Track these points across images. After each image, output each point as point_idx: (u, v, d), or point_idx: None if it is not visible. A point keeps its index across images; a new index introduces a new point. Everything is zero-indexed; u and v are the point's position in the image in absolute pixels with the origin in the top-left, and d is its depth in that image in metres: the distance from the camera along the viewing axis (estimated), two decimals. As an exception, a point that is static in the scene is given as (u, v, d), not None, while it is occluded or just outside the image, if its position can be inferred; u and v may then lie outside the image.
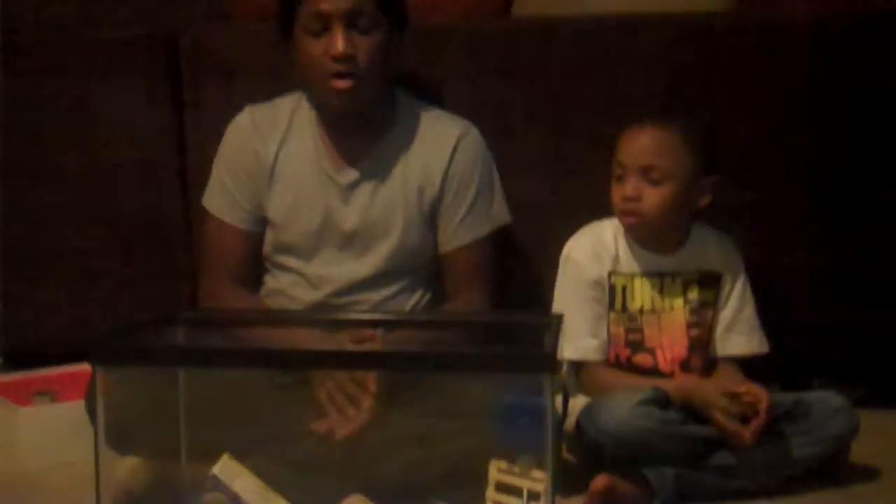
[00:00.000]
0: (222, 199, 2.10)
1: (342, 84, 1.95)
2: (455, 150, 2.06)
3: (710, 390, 1.91)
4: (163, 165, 2.38)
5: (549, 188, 2.28)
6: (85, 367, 2.21)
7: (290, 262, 2.08)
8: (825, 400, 1.89)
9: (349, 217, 2.05)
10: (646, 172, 1.99)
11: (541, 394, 1.49)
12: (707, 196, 2.03)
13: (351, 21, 1.95)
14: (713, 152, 2.04)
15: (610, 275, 2.06)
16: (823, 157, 2.24)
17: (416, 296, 2.09)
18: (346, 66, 1.94)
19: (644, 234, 2.04)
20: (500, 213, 2.11)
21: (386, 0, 1.99)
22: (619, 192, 2.01)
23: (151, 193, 2.39)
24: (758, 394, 1.87)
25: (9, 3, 2.62)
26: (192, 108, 2.36)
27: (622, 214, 2.02)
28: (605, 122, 2.15)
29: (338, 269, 2.06)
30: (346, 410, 1.78)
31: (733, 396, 1.88)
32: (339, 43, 1.93)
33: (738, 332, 2.07)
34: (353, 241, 2.05)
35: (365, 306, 2.04)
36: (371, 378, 1.77)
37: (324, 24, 1.95)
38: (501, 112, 2.27)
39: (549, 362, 1.50)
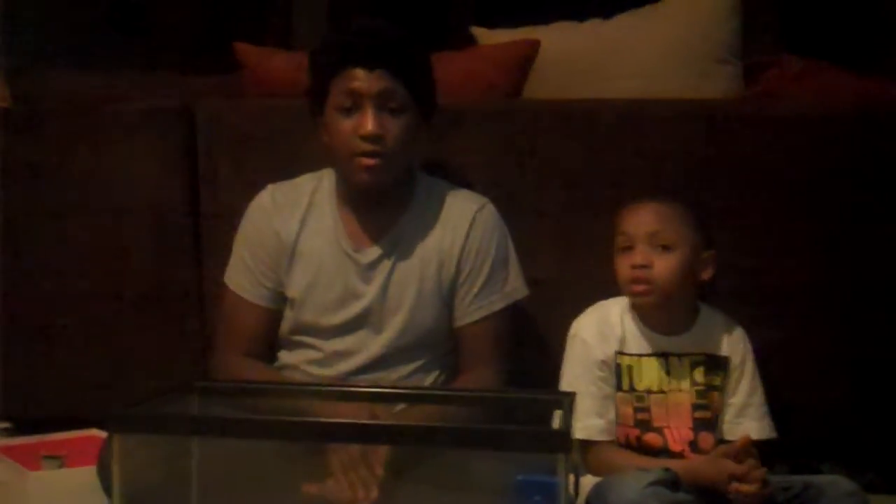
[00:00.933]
0: (243, 277, 2.12)
1: (369, 161, 1.99)
2: (472, 225, 2.09)
3: (715, 459, 1.92)
4: (177, 236, 2.41)
5: (558, 266, 2.31)
6: (93, 433, 2.24)
7: (307, 340, 2.10)
8: (836, 484, 1.88)
9: (367, 296, 2.07)
10: (653, 240, 2.02)
11: (554, 472, 1.49)
12: (709, 270, 2.07)
13: (382, 102, 1.98)
14: (709, 229, 2.08)
15: (616, 355, 2.08)
16: (834, 242, 2.27)
17: (433, 376, 2.11)
18: (374, 146, 1.98)
19: (652, 306, 2.05)
20: (515, 288, 2.13)
21: (417, 86, 2.03)
22: (628, 262, 2.04)
23: (164, 262, 2.41)
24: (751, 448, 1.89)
25: (27, 73, 2.66)
26: (207, 180, 2.39)
27: (632, 284, 2.04)
28: (615, 202, 2.17)
29: (353, 347, 2.07)
30: (356, 492, 1.77)
31: (741, 450, 1.89)
32: (370, 122, 1.97)
33: (750, 417, 2.08)
34: (368, 319, 2.07)
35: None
36: (379, 458, 1.77)
37: (355, 103, 1.99)
38: (512, 190, 2.30)
39: (564, 441, 1.50)
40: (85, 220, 2.43)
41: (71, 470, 2.12)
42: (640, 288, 2.03)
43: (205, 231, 2.39)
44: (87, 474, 1.94)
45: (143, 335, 2.42)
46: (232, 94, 2.61)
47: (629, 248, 2.04)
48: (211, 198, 2.39)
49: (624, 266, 2.05)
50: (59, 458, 2.18)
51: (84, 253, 2.43)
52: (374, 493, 1.77)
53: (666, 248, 2.02)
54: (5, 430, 2.49)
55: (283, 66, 2.48)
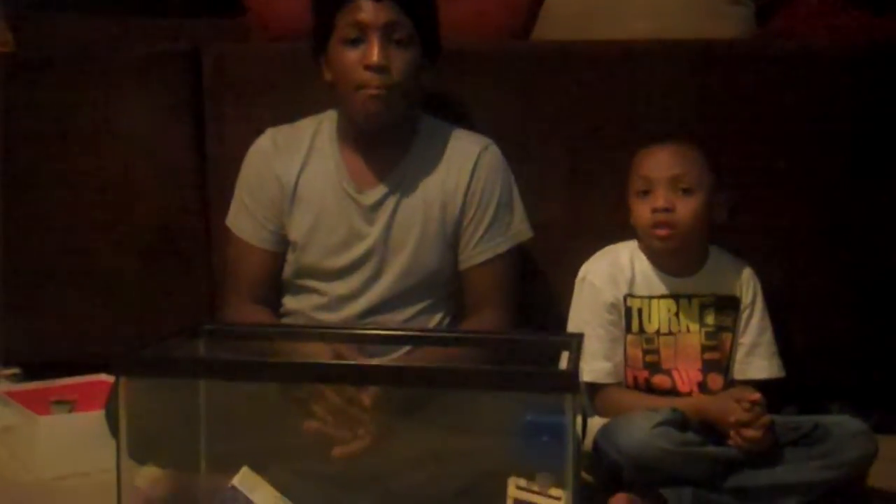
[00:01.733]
0: (245, 221, 2.11)
1: (373, 93, 1.96)
2: (475, 166, 2.07)
3: (724, 400, 1.92)
4: (183, 178, 2.40)
5: (566, 208, 2.29)
6: (103, 378, 2.25)
7: (310, 283, 2.09)
8: (844, 424, 1.89)
9: (370, 235, 2.06)
10: (675, 183, 2.01)
11: (562, 412, 1.49)
12: (723, 212, 2.06)
13: (387, 33, 1.96)
14: (721, 171, 2.07)
15: (626, 298, 2.07)
16: (843, 183, 2.25)
17: (437, 318, 2.10)
18: (378, 77, 1.96)
19: (672, 249, 2.04)
20: (520, 230, 2.11)
21: (422, 20, 2.01)
22: (649, 206, 2.02)
23: (171, 206, 2.41)
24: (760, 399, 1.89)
25: (33, 19, 2.64)
26: (214, 124, 2.38)
27: (655, 227, 2.02)
28: (623, 145, 2.16)
29: (357, 289, 2.07)
30: (341, 430, 1.77)
31: (745, 401, 1.88)
32: (375, 52, 1.95)
33: (759, 356, 2.08)
34: (371, 260, 2.06)
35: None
36: (366, 396, 1.77)
37: (361, 34, 1.97)
38: (520, 132, 2.28)
39: (571, 381, 1.50)
40: (91, 165, 2.41)
41: (80, 414, 2.14)
42: (664, 232, 2.02)
43: (211, 174, 2.38)
44: (96, 419, 1.95)
45: (150, 279, 2.42)
46: (238, 37, 2.60)
47: (647, 192, 2.03)
48: (217, 142, 2.38)
49: (644, 210, 2.03)
50: (68, 403, 2.19)
51: (90, 197, 2.42)
52: (367, 430, 1.76)
53: (687, 190, 2.01)
54: (14, 375, 2.50)
55: (288, 8, 2.45)
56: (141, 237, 2.41)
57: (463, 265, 2.09)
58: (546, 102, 2.29)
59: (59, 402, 2.19)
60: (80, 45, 2.50)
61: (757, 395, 1.89)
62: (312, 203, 2.07)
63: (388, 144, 2.07)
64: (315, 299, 2.09)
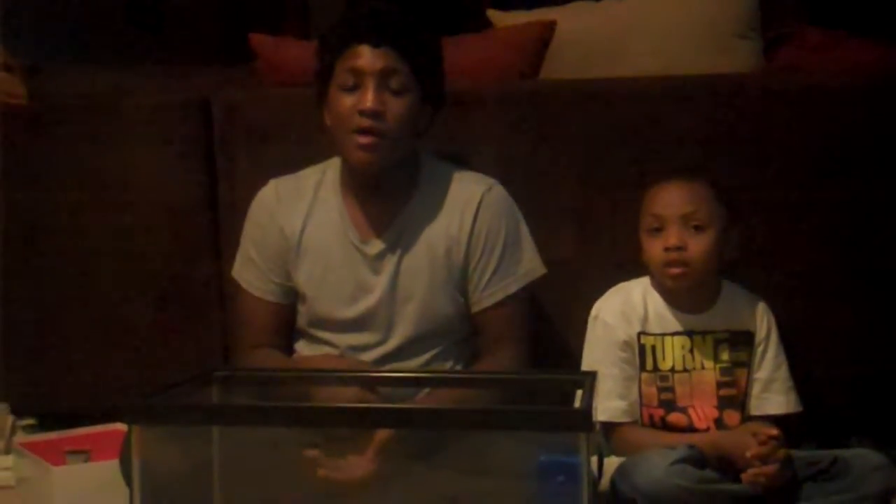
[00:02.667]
0: (251, 273, 2.12)
1: (365, 140, 1.96)
2: (479, 209, 2.06)
3: (741, 434, 1.91)
4: (195, 226, 2.40)
5: (577, 247, 2.28)
6: (118, 427, 2.24)
7: (322, 335, 2.09)
8: (864, 457, 1.87)
9: (378, 286, 2.05)
10: (687, 221, 2.00)
11: (576, 452, 1.48)
12: (735, 248, 2.05)
13: (384, 80, 1.97)
14: (732, 206, 2.07)
15: (639, 335, 2.06)
16: (855, 215, 2.24)
17: (449, 364, 2.08)
18: (372, 123, 1.96)
19: (685, 287, 2.03)
20: (530, 269, 2.09)
21: (421, 67, 2.00)
22: (661, 245, 2.01)
23: (184, 256, 2.41)
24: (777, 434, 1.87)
25: (44, 70, 2.67)
26: (225, 171, 2.39)
27: (667, 266, 2.01)
28: (633, 183, 2.17)
29: (370, 341, 2.06)
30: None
31: (761, 435, 1.86)
32: (369, 98, 1.95)
33: (775, 392, 2.06)
34: (381, 311, 2.05)
35: None
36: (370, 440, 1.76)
37: (357, 81, 1.97)
38: (529, 172, 2.28)
39: (586, 420, 1.49)
40: (103, 216, 2.43)
41: (95, 464, 2.12)
42: (677, 271, 2.01)
43: (223, 223, 2.38)
44: (111, 468, 1.95)
45: (164, 329, 2.42)
46: (248, 85, 2.61)
47: (659, 230, 2.02)
48: (229, 190, 2.39)
49: (656, 248, 2.03)
50: (83, 453, 2.18)
51: (103, 249, 2.43)
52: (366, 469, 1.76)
53: (699, 227, 2.01)
54: (30, 426, 2.50)
55: (298, 56, 2.46)
56: (153, 286, 2.42)
57: (474, 308, 2.08)
58: (555, 141, 2.30)
59: (74, 452, 2.18)
60: (90, 96, 2.51)
61: (775, 431, 1.88)
62: (319, 254, 2.07)
63: (390, 191, 2.06)
64: (327, 350, 2.08)
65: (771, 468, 1.83)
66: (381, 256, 2.05)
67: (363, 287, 2.05)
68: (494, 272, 2.06)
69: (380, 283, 2.05)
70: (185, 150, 2.41)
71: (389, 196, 2.07)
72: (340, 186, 2.10)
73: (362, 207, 2.08)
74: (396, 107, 1.97)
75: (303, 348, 2.12)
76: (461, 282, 2.07)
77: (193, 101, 2.43)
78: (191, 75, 2.71)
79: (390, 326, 2.05)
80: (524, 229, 2.10)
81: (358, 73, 1.97)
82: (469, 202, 2.07)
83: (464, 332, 2.10)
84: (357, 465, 1.75)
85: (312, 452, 1.73)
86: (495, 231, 2.06)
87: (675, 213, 2.01)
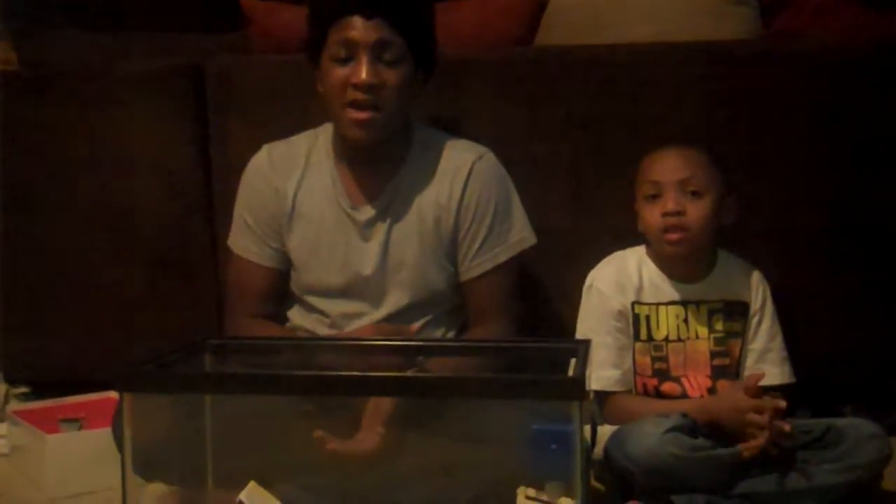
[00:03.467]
0: (246, 238, 2.10)
1: (360, 115, 1.95)
2: (469, 177, 2.04)
3: (730, 393, 1.91)
4: (188, 193, 2.40)
5: (572, 215, 2.28)
6: (111, 395, 2.25)
7: (313, 301, 2.08)
8: (857, 426, 1.87)
9: (368, 254, 2.04)
10: (684, 186, 1.99)
11: (570, 421, 1.48)
12: (732, 214, 2.04)
13: (377, 52, 1.94)
14: (729, 172, 2.06)
15: (633, 305, 2.06)
16: (851, 183, 2.23)
17: (440, 332, 2.08)
18: (366, 96, 1.94)
19: (684, 253, 2.03)
20: (521, 238, 2.08)
21: (415, 37, 1.98)
22: (658, 210, 2.01)
23: (176, 221, 2.41)
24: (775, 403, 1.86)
25: (33, 36, 2.64)
26: (218, 138, 2.38)
27: (665, 231, 2.01)
28: (629, 151, 2.15)
29: (361, 309, 2.05)
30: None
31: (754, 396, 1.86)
32: (363, 71, 1.93)
33: (770, 362, 2.06)
34: (371, 278, 2.04)
35: None
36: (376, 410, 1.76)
37: (350, 53, 1.95)
38: (524, 139, 2.28)
39: (579, 389, 1.48)
40: (96, 182, 2.42)
41: (88, 432, 2.13)
42: (675, 236, 2.00)
43: (216, 190, 2.38)
44: (104, 436, 1.95)
45: (157, 295, 2.42)
46: (240, 50, 2.59)
47: (657, 196, 2.01)
48: (222, 156, 2.38)
49: (653, 215, 2.02)
50: (77, 421, 2.19)
51: (95, 215, 2.42)
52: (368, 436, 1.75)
53: (696, 193, 2.00)
54: (23, 394, 2.50)
55: (291, 21, 2.45)
56: (146, 253, 2.41)
57: (463, 277, 2.07)
58: (550, 108, 2.28)
59: (67, 421, 2.18)
60: (81, 62, 2.50)
61: (760, 374, 1.89)
62: (311, 220, 2.06)
63: (382, 159, 2.05)
64: (319, 317, 2.07)
65: (761, 440, 1.82)
66: (371, 223, 2.04)
67: (354, 254, 2.04)
68: (484, 241, 2.05)
69: (370, 250, 2.04)
70: (178, 116, 2.40)
71: (381, 163, 2.05)
72: (332, 153, 2.09)
73: (354, 174, 2.06)
74: (391, 78, 1.95)
75: (295, 315, 2.12)
76: (451, 250, 2.06)
77: (186, 67, 2.41)
78: (183, 41, 2.69)
79: (381, 294, 2.05)
80: (515, 198, 2.09)
81: (351, 45, 1.95)
82: (459, 170, 2.05)
83: (455, 301, 2.09)
84: (365, 439, 1.74)
85: (319, 433, 1.72)
86: (485, 199, 2.05)
87: (673, 178, 2.00)
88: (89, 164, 2.42)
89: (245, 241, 2.11)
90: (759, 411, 1.83)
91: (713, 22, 2.43)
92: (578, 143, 2.28)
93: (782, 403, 1.85)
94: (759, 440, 1.82)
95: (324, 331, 2.07)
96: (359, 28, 1.94)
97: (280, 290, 2.11)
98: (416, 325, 2.04)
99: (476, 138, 2.15)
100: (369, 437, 1.74)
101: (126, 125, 2.40)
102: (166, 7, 2.77)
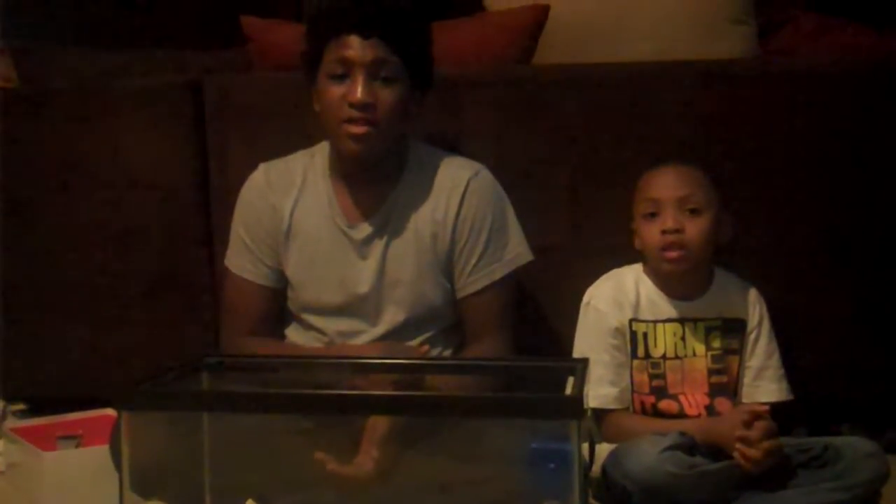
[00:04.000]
0: (242, 257, 2.10)
1: (356, 130, 1.95)
2: (465, 194, 2.05)
3: (730, 418, 1.90)
4: (186, 210, 2.39)
5: (569, 232, 2.27)
6: (109, 412, 2.24)
7: (311, 319, 2.08)
8: (855, 445, 1.86)
9: (365, 272, 2.04)
10: (683, 204, 2.00)
11: (568, 439, 1.48)
12: (728, 233, 2.05)
13: (373, 70, 1.95)
14: (724, 191, 2.07)
15: (631, 322, 2.06)
16: (847, 202, 2.23)
17: (437, 351, 2.07)
18: (362, 114, 1.94)
19: (682, 272, 2.03)
20: (517, 254, 2.08)
21: (411, 57, 1.99)
22: (657, 228, 2.01)
23: (175, 240, 2.40)
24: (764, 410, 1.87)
25: (33, 53, 2.65)
26: (217, 154, 2.38)
27: (664, 249, 2.01)
28: (626, 168, 2.17)
29: (358, 327, 2.05)
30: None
31: (752, 419, 1.85)
32: (359, 89, 1.94)
33: (767, 379, 2.07)
34: (368, 296, 2.04)
35: None
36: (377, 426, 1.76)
37: (346, 71, 1.96)
38: (521, 157, 2.28)
39: (577, 407, 1.48)
40: (94, 199, 2.42)
41: (86, 450, 2.12)
42: (674, 254, 2.00)
43: (214, 207, 2.37)
44: (102, 454, 1.94)
45: (154, 312, 2.41)
46: (239, 68, 2.60)
47: (655, 214, 2.02)
48: (220, 173, 2.38)
49: (653, 232, 2.02)
50: (74, 438, 2.18)
51: (94, 232, 2.42)
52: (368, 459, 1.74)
53: (695, 211, 2.01)
54: (20, 411, 2.50)
55: (289, 38, 2.43)
56: (145, 270, 2.41)
57: (459, 294, 2.07)
58: (547, 126, 2.28)
59: (64, 438, 2.18)
60: (81, 79, 2.50)
61: (763, 408, 1.88)
62: (308, 239, 2.06)
63: (378, 177, 2.05)
64: (316, 335, 2.07)
65: (755, 452, 1.82)
66: (368, 241, 2.05)
67: (351, 272, 2.05)
68: (480, 258, 2.05)
69: (367, 268, 2.04)
70: (177, 133, 2.40)
71: (377, 181, 2.06)
72: (329, 171, 2.09)
73: (350, 192, 2.07)
74: (386, 96, 1.96)
75: (293, 334, 2.12)
76: (447, 267, 2.06)
77: (185, 84, 2.41)
78: (182, 58, 2.70)
79: (378, 312, 2.05)
80: (511, 215, 2.09)
81: (347, 63, 1.96)
82: (455, 187, 2.06)
83: (452, 319, 2.09)
84: (363, 462, 1.74)
85: (321, 455, 1.72)
86: (481, 216, 2.05)
87: (671, 196, 2.01)
88: (88, 180, 2.42)
89: (241, 260, 2.11)
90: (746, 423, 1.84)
91: (711, 40, 2.45)
92: (576, 160, 2.28)
93: (760, 408, 1.86)
94: (751, 452, 1.82)
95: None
96: (355, 47, 1.95)
97: (276, 309, 2.11)
98: (425, 346, 2.04)
99: (474, 156, 2.16)
100: (367, 460, 1.74)
101: (125, 142, 2.40)
102: (165, 24, 2.79)
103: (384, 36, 1.95)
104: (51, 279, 2.44)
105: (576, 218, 2.27)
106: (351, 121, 1.95)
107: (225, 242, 2.16)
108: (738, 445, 1.83)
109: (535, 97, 2.30)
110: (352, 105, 1.94)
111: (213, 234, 2.37)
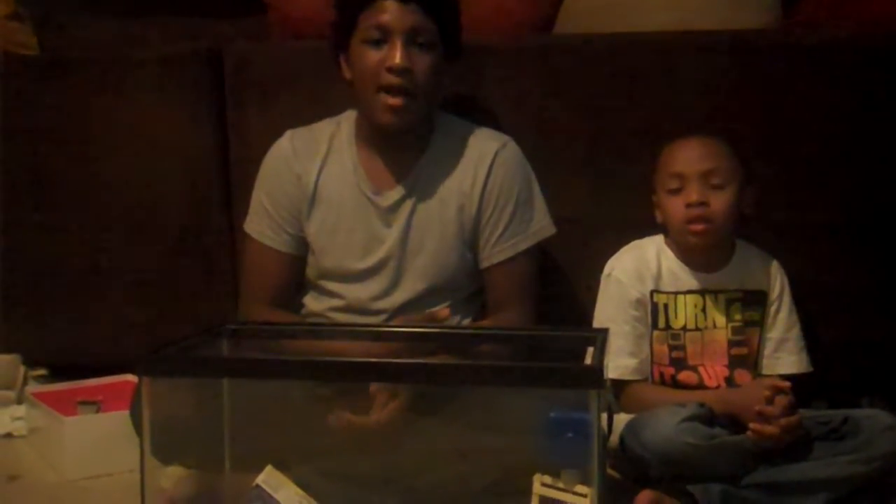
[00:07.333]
0: (264, 223, 2.11)
1: (394, 101, 1.95)
2: (492, 165, 2.05)
3: (751, 390, 1.90)
4: (206, 178, 2.40)
5: (590, 204, 2.27)
6: (129, 378, 2.26)
7: (331, 286, 2.08)
8: (874, 418, 1.86)
9: (388, 239, 2.05)
10: (707, 178, 1.99)
11: (587, 409, 1.48)
12: (751, 205, 2.04)
13: (411, 36, 1.95)
14: (748, 163, 2.05)
15: (652, 293, 2.05)
16: (868, 175, 2.21)
17: (456, 320, 2.07)
18: (400, 80, 1.94)
19: (706, 245, 2.02)
20: (541, 227, 2.09)
21: (446, 25, 1.99)
22: (681, 202, 2.00)
23: (194, 208, 2.41)
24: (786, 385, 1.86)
25: (53, 21, 2.65)
26: (236, 123, 2.38)
27: (690, 223, 2.00)
28: (647, 139, 2.15)
29: (378, 293, 2.06)
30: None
31: (773, 393, 1.85)
32: (398, 54, 1.94)
33: (787, 351, 2.06)
34: (390, 263, 2.05)
35: None
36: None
37: (383, 36, 1.96)
38: (542, 127, 2.26)
39: (596, 377, 1.49)
40: (114, 167, 2.43)
41: (106, 415, 2.15)
42: (700, 227, 1.99)
43: (234, 175, 2.38)
44: (122, 419, 1.96)
45: (175, 281, 2.43)
46: (259, 36, 2.60)
47: (679, 188, 2.01)
48: (239, 141, 2.38)
49: (677, 206, 2.01)
50: (95, 404, 2.20)
51: (114, 199, 2.43)
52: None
53: (719, 185, 1.99)
54: (41, 376, 2.51)
55: (309, 6, 2.45)
56: (164, 238, 2.42)
57: (483, 264, 2.07)
58: (568, 96, 2.27)
59: (85, 403, 2.20)
60: (101, 47, 2.50)
61: (785, 383, 1.87)
62: (331, 205, 2.07)
63: (405, 145, 2.06)
64: (335, 302, 2.08)
65: (772, 429, 1.82)
66: (393, 209, 2.05)
67: (374, 238, 2.05)
68: (505, 229, 2.05)
69: (391, 235, 2.04)
70: (196, 101, 2.40)
71: (404, 149, 2.06)
72: (355, 138, 2.09)
73: (376, 159, 2.07)
74: (424, 63, 1.96)
75: (310, 301, 2.12)
76: (472, 237, 2.06)
77: (204, 53, 2.41)
78: (202, 26, 2.69)
79: (399, 279, 2.05)
80: (536, 188, 2.10)
81: (385, 29, 1.95)
82: (483, 158, 2.05)
83: (471, 288, 2.10)
84: (378, 413, 1.76)
85: (336, 413, 1.74)
86: (508, 188, 2.05)
87: (696, 170, 1.99)
88: (108, 148, 2.43)
89: (261, 226, 2.11)
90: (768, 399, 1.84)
91: (734, 10, 2.42)
92: (597, 131, 2.27)
93: (781, 383, 1.86)
94: (769, 429, 1.82)
95: (337, 317, 2.07)
96: (393, 12, 1.95)
97: (294, 276, 2.11)
98: (446, 309, 2.01)
99: (494, 125, 2.15)
100: (381, 412, 1.75)
101: (144, 110, 2.41)
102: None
103: (421, 1, 1.95)
104: (71, 247, 2.45)
105: (597, 189, 2.26)
106: (389, 90, 1.95)
107: (244, 210, 2.17)
108: (753, 423, 1.83)
109: (555, 66, 2.28)
110: (390, 70, 1.94)
111: (232, 202, 2.38)
